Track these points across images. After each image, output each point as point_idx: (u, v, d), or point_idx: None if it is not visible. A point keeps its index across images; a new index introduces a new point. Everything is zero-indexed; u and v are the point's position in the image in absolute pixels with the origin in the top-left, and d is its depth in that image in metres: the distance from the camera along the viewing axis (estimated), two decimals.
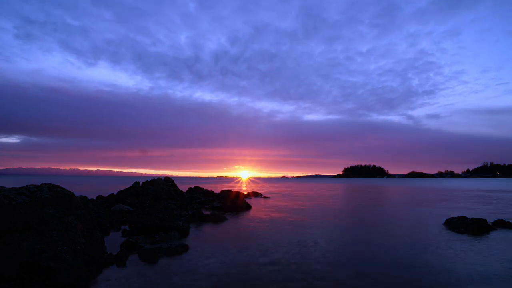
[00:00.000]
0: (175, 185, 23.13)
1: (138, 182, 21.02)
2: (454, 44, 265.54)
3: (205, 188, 31.82)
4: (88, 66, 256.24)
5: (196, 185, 34.62)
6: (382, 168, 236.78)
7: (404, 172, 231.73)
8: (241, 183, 70.64)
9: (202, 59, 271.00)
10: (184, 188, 29.49)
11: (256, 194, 27.84)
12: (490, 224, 10.67)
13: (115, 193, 19.94)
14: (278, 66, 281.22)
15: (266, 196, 27.20)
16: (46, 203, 5.63)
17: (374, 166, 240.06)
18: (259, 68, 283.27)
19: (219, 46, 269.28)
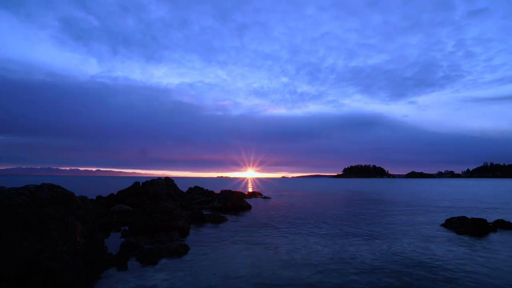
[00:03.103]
0: (175, 185, 23.15)
1: (138, 182, 21.03)
2: None
3: (205, 188, 31.81)
4: None
5: (196, 185, 34.62)
6: (382, 168, 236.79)
7: (404, 172, 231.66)
8: (241, 183, 70.59)
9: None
10: (184, 188, 29.47)
11: (256, 195, 27.83)
12: (490, 224, 10.66)
13: (115, 193, 19.93)
14: (263, 18, 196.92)
15: (266, 196, 27.18)
16: (46, 203, 5.62)
17: (374, 166, 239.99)
18: (235, 19, 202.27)
19: None
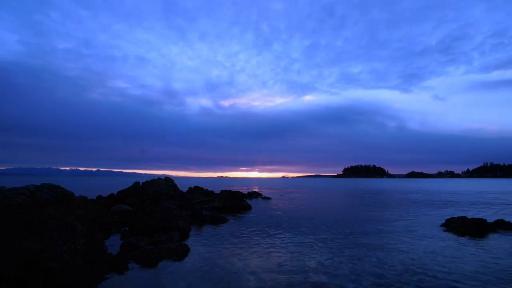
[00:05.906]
0: (175, 185, 23.14)
1: (138, 182, 21.03)
2: None
3: (205, 188, 31.82)
4: None
5: (196, 185, 34.64)
6: (382, 168, 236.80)
7: (404, 172, 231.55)
8: (241, 183, 70.55)
9: None
10: (184, 188, 29.49)
11: (256, 195, 27.82)
12: (490, 224, 10.65)
13: (115, 193, 19.94)
14: None
15: (266, 196, 27.17)
16: (46, 203, 5.63)
17: (374, 166, 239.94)
18: None
19: None
